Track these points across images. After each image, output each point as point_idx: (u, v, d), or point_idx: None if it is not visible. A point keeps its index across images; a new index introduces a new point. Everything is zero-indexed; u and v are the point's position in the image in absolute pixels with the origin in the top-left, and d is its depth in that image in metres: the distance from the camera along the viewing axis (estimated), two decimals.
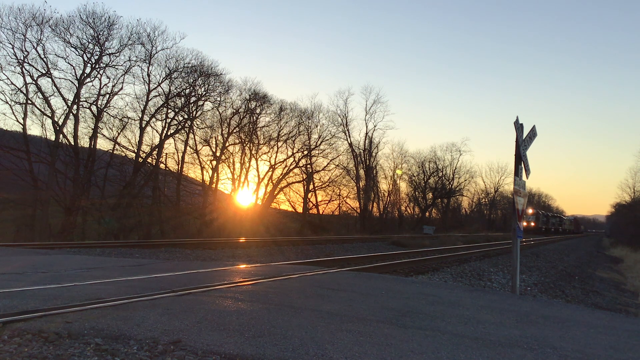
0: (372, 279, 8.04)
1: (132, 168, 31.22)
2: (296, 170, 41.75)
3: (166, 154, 33.68)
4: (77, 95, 28.63)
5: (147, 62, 31.05)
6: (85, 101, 29.57)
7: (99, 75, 29.74)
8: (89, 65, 29.07)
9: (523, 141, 8.38)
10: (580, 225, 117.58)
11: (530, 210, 65.53)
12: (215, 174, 35.62)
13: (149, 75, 31.38)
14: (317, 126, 42.52)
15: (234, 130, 36.20)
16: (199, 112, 34.21)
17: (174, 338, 3.50)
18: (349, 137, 46.65)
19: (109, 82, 30.29)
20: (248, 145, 37.33)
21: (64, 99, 28.71)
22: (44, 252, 10.89)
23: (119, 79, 30.49)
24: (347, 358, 3.30)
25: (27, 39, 26.98)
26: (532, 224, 64.94)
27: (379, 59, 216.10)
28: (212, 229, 31.94)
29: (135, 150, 31.23)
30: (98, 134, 29.96)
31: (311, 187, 44.03)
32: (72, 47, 28.40)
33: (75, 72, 28.71)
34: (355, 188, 46.88)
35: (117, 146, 31.04)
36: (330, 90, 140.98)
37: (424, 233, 43.28)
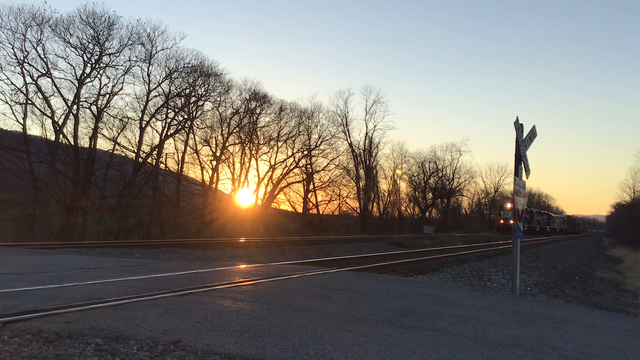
0: (372, 279, 8.04)
1: (132, 168, 31.25)
2: (296, 170, 41.81)
3: (166, 154, 33.77)
4: (77, 95, 28.66)
5: (147, 62, 31.14)
6: (85, 101, 29.65)
7: (99, 75, 29.84)
8: (89, 65, 29.14)
9: (523, 141, 8.38)
10: (579, 224, 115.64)
11: (509, 205, 54.77)
12: (215, 174, 35.67)
13: (149, 75, 31.46)
14: (317, 126, 42.64)
15: (234, 130, 36.25)
16: (199, 112, 34.31)
17: (174, 338, 3.50)
18: (349, 137, 46.75)
19: (109, 82, 30.39)
20: (248, 145, 37.36)
21: (64, 99, 28.79)
22: (44, 252, 10.89)
23: (119, 79, 30.60)
24: (348, 358, 3.30)
25: (27, 39, 27.08)
26: (511, 221, 62.38)
27: (379, 59, 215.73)
28: (212, 229, 31.94)
29: (135, 150, 31.29)
30: (98, 134, 30.04)
31: (311, 187, 44.07)
32: (72, 47, 28.50)
33: (75, 72, 28.81)
34: (355, 188, 46.92)
35: (117, 146, 31.14)
36: (330, 90, 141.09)
37: (424, 233, 43.28)
